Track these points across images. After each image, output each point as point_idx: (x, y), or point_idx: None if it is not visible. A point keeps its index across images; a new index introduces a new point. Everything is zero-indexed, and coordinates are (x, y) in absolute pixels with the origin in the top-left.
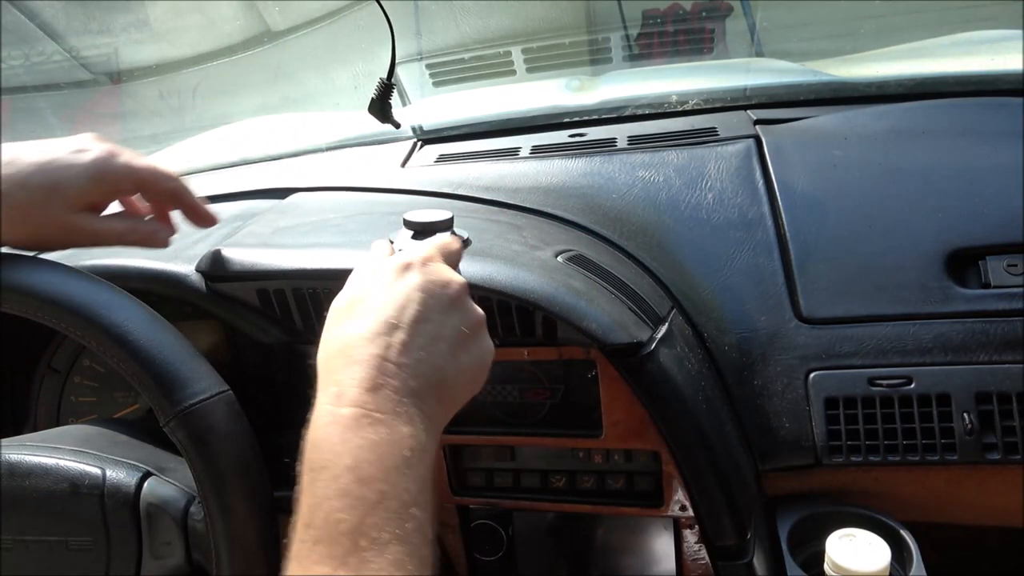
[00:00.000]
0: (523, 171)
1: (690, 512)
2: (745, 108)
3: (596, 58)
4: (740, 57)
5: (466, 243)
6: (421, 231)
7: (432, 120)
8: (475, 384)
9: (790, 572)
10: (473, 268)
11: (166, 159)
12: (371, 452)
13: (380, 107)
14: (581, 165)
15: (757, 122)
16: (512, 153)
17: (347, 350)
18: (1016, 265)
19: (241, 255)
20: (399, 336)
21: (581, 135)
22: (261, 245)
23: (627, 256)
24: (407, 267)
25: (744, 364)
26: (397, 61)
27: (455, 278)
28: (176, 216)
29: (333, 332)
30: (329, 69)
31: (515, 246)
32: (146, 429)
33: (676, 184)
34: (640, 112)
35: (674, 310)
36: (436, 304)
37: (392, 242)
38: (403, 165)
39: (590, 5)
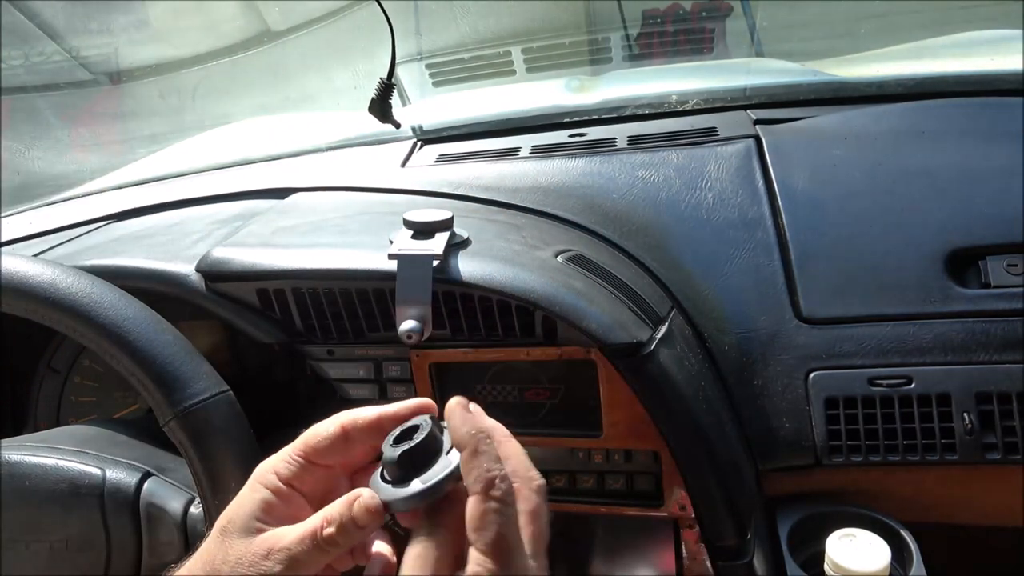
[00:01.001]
0: (523, 171)
1: (690, 512)
2: (745, 108)
3: (596, 58)
4: (740, 57)
5: (465, 242)
6: (421, 231)
7: (432, 120)
8: None
9: (790, 572)
10: (473, 268)
11: (166, 159)
12: None
13: (380, 107)
14: (581, 165)
15: (757, 122)
16: (512, 153)
17: None
18: (1016, 265)
19: (241, 255)
20: None
21: (581, 135)
22: (261, 245)
23: (627, 256)
24: None
25: (744, 364)
26: (397, 61)
27: None
28: None
29: None
30: (329, 69)
31: (515, 246)
32: (146, 429)
33: (676, 184)
34: (640, 112)
35: (674, 310)
36: None
37: (392, 242)
38: (403, 165)
39: (590, 5)
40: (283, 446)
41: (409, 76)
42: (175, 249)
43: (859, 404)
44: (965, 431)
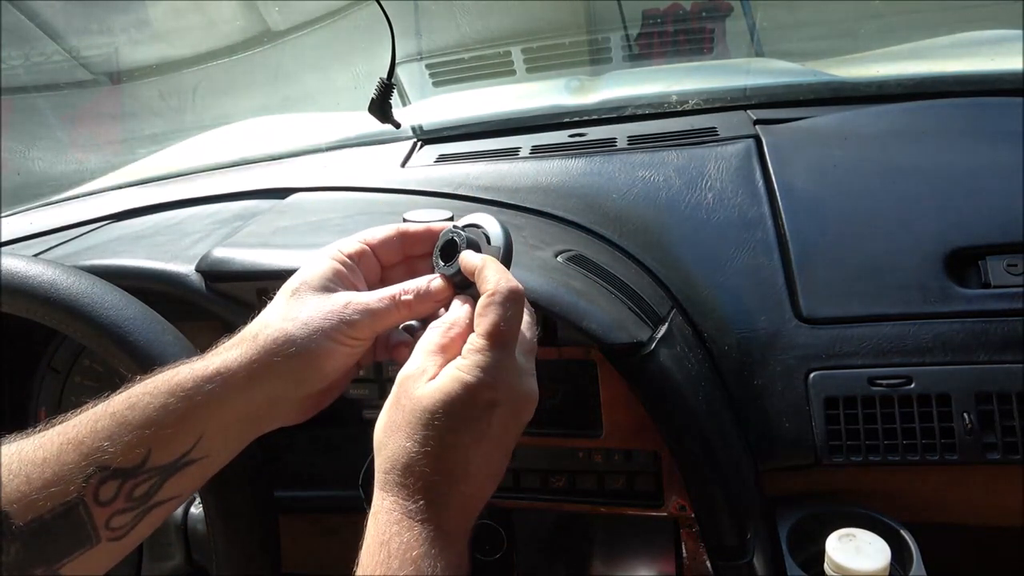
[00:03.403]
0: (523, 171)
1: (690, 512)
2: (745, 108)
3: (596, 58)
4: (740, 57)
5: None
6: None
7: (432, 120)
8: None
9: (790, 572)
10: None
11: (166, 159)
12: None
13: (380, 107)
14: (581, 165)
15: (757, 122)
16: (512, 153)
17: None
18: (1016, 265)
19: (241, 255)
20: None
21: (581, 135)
22: (261, 245)
23: (627, 256)
24: (491, 407)
25: (744, 364)
26: (397, 61)
27: (532, 399)
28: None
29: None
30: (329, 69)
31: (515, 246)
32: None
33: (676, 184)
34: (640, 112)
35: (674, 310)
36: (511, 442)
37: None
38: (403, 165)
39: (590, 5)
40: (283, 446)
41: (409, 76)
42: (175, 249)
43: (859, 404)
44: (965, 431)
